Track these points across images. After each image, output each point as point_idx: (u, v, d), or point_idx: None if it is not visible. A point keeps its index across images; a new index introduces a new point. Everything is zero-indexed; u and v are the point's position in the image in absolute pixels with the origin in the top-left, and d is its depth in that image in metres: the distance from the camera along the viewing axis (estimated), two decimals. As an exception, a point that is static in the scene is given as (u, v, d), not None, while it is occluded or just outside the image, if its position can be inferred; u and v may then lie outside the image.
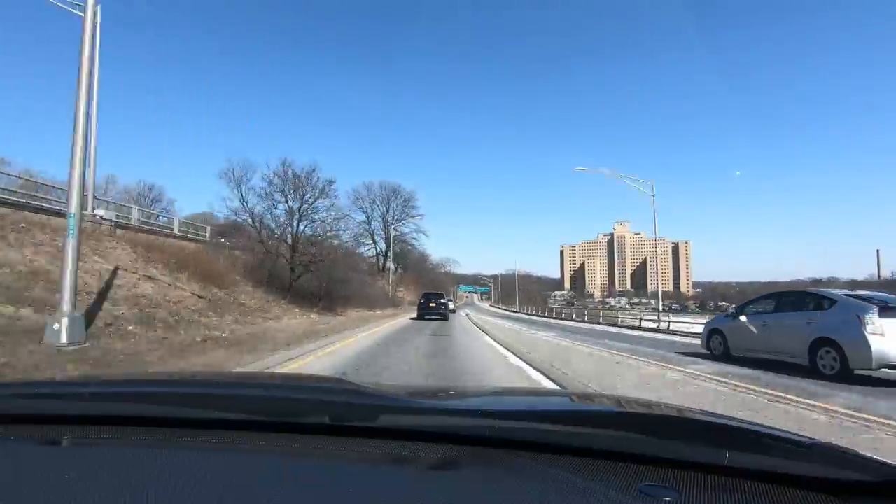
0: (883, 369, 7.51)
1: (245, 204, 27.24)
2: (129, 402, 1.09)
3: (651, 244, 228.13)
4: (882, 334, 7.25)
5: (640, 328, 24.92)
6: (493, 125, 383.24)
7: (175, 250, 19.69)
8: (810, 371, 7.98)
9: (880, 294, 8.57)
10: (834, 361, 7.70)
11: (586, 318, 34.82)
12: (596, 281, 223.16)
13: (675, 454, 0.79)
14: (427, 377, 7.28)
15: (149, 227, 23.59)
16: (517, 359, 9.69)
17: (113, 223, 19.49)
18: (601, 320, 32.66)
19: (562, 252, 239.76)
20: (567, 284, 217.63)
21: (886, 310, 7.48)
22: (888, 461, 0.77)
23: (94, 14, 10.42)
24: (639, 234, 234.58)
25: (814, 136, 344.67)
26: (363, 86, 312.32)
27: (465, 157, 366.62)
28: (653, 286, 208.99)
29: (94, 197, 17.85)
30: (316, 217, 28.52)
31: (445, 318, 25.42)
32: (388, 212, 64.49)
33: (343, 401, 1.06)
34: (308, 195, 27.93)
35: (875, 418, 4.94)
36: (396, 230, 62.80)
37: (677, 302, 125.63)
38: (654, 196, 23.68)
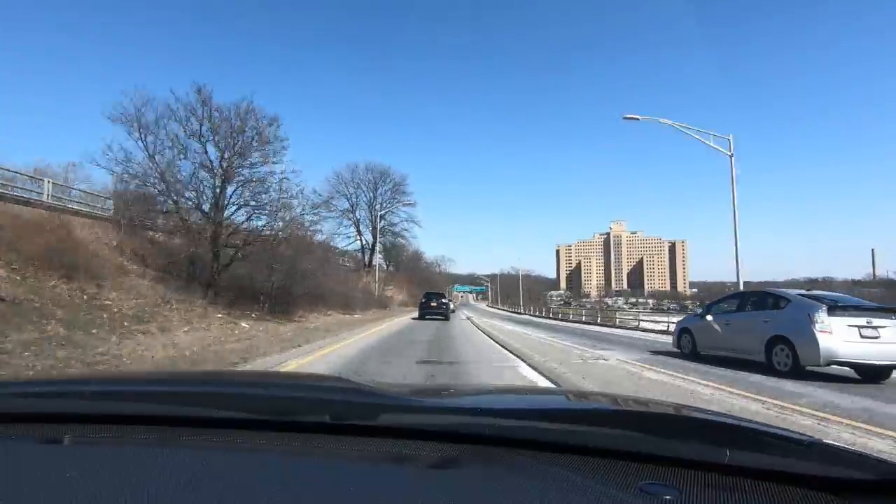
0: (833, 366, 7.88)
1: (150, 157, 17.14)
2: (130, 400, 1.10)
3: (647, 243, 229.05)
4: (830, 332, 7.62)
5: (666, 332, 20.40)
6: (490, 121, 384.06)
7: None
8: (767, 368, 8.35)
9: (832, 294, 8.97)
10: (787, 358, 8.07)
11: (599, 320, 30.41)
12: (592, 280, 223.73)
13: (676, 452, 0.80)
14: None
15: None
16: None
17: None
18: (617, 322, 29.33)
19: (557, 251, 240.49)
20: (563, 284, 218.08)
21: (835, 309, 7.85)
22: (888, 459, 0.79)
23: None
24: (635, 233, 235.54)
25: (812, 132, 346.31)
26: (362, 84, 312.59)
27: (459, 154, 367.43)
28: (650, 286, 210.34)
29: None
30: (254, 176, 18.53)
31: (446, 318, 25.97)
32: (375, 198, 55.68)
33: (343, 399, 1.07)
34: (240, 143, 18.09)
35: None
36: (385, 219, 55.21)
37: (675, 301, 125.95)
38: (731, 155, 17.76)
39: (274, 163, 18.90)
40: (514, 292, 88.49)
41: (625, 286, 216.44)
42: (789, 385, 7.10)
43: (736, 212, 17.90)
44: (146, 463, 0.78)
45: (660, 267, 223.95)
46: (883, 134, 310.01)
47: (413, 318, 26.07)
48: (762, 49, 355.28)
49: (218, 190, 18.22)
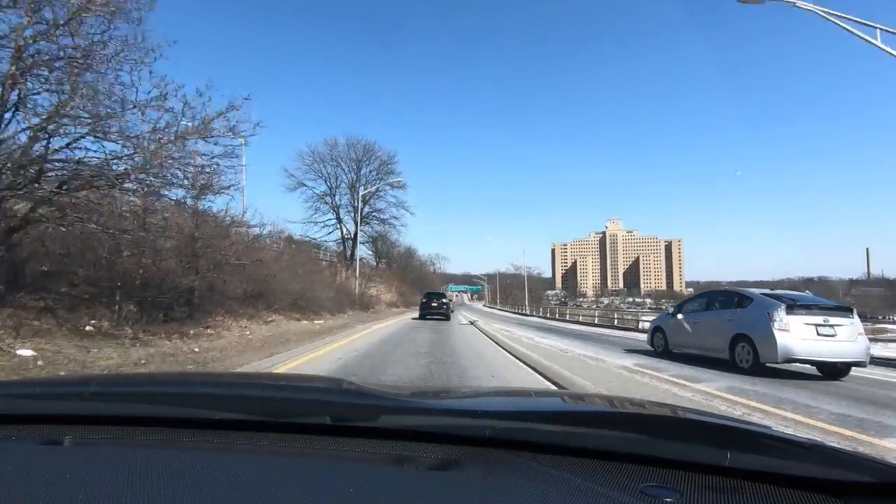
0: (794, 363, 8.15)
1: None
2: (131, 402, 1.11)
3: (643, 243, 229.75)
4: (787, 330, 7.91)
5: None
6: (489, 120, 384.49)
7: None
8: (731, 365, 8.63)
9: (792, 293, 9.29)
10: (748, 355, 8.35)
11: (616, 322, 27.88)
12: (588, 280, 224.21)
13: (676, 455, 0.80)
14: None
15: None
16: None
17: None
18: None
19: (553, 251, 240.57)
20: (559, 283, 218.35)
21: (793, 307, 8.14)
22: (888, 462, 0.80)
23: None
24: (631, 231, 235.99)
25: (810, 132, 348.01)
26: (361, 79, 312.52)
27: (456, 153, 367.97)
28: (646, 285, 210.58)
29: None
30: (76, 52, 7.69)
31: (447, 318, 26.49)
32: (358, 179, 45.79)
33: (344, 401, 1.08)
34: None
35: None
36: (370, 204, 45.52)
37: (675, 301, 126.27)
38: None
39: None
40: (511, 292, 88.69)
41: (621, 285, 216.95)
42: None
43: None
44: (147, 464, 0.78)
45: (656, 266, 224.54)
46: (883, 134, 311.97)
47: (413, 319, 26.30)
48: (762, 49, 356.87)
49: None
